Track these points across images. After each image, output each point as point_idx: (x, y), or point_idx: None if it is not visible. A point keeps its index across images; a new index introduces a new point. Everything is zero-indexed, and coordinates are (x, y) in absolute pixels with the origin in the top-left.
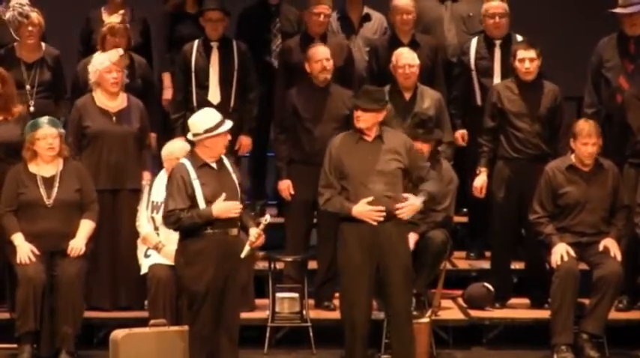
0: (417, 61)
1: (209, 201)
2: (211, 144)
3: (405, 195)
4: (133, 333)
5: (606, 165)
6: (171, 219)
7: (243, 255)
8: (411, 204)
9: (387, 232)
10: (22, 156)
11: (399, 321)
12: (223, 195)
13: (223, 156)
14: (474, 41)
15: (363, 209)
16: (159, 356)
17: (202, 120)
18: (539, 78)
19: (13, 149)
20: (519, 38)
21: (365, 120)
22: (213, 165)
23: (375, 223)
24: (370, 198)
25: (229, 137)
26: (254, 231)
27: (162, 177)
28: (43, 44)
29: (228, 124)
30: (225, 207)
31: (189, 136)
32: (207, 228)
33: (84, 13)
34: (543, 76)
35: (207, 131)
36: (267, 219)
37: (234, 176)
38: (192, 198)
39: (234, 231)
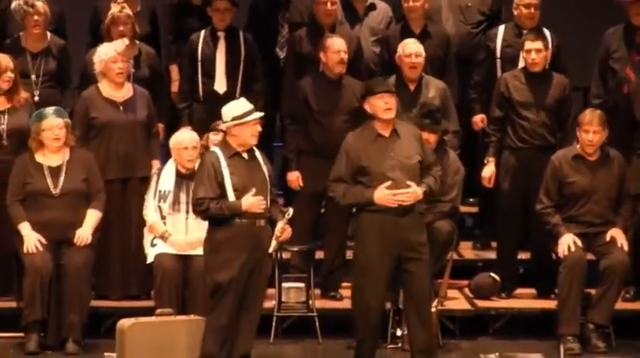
0: (423, 52)
1: (237, 190)
2: (239, 132)
3: (409, 182)
4: (139, 322)
5: (612, 154)
6: (200, 208)
7: (271, 250)
8: (414, 192)
9: (407, 224)
10: (28, 146)
11: (421, 306)
12: (253, 189)
13: (255, 148)
14: (502, 28)
15: (383, 194)
16: (165, 345)
17: (231, 108)
18: (548, 69)
19: (25, 138)
20: (546, 31)
21: (393, 105)
22: (244, 155)
23: (395, 205)
24: (388, 183)
25: (259, 128)
26: (279, 225)
27: (170, 166)
28: (48, 34)
29: (257, 114)
30: (254, 202)
31: (222, 126)
32: (236, 218)
33: (92, 2)
34: (561, 67)
35: (234, 119)
36: (290, 213)
37: (264, 168)
38: (221, 186)
39: (262, 222)
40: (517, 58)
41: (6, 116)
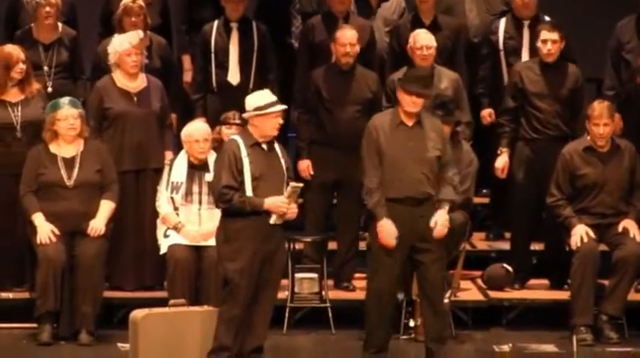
0: (434, 43)
1: (255, 180)
2: (259, 123)
3: (432, 221)
4: (152, 313)
5: (623, 145)
6: (225, 198)
7: (271, 221)
8: (442, 225)
9: (422, 215)
10: (42, 137)
11: (433, 296)
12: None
13: (275, 140)
14: (503, 21)
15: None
16: (178, 336)
17: (255, 98)
18: (562, 59)
19: (39, 129)
20: (547, 19)
21: (420, 104)
22: (264, 146)
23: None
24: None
25: (281, 120)
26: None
27: (182, 157)
28: (60, 25)
29: (280, 106)
30: (277, 202)
31: (244, 115)
32: None
33: None
34: (570, 58)
35: (256, 109)
36: (292, 185)
37: (282, 160)
38: (240, 174)
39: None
40: (520, 49)
41: (20, 108)
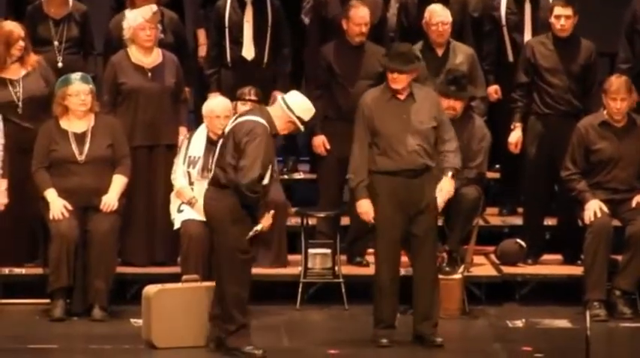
0: (450, 19)
1: (273, 171)
2: (287, 127)
3: (437, 190)
4: (165, 289)
5: (639, 121)
6: (255, 189)
7: (256, 227)
8: (446, 191)
9: (419, 187)
10: (53, 112)
11: (421, 270)
12: (271, 211)
13: None
14: None
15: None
16: (191, 311)
17: (306, 108)
18: (574, 35)
19: (42, 104)
20: None
21: (401, 81)
22: None
23: None
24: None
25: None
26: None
27: (201, 132)
28: (70, 0)
29: (302, 129)
30: (267, 219)
31: (283, 104)
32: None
33: None
34: (578, 33)
35: (300, 119)
36: (255, 229)
37: None
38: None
39: None
40: (522, 24)
41: (21, 83)
